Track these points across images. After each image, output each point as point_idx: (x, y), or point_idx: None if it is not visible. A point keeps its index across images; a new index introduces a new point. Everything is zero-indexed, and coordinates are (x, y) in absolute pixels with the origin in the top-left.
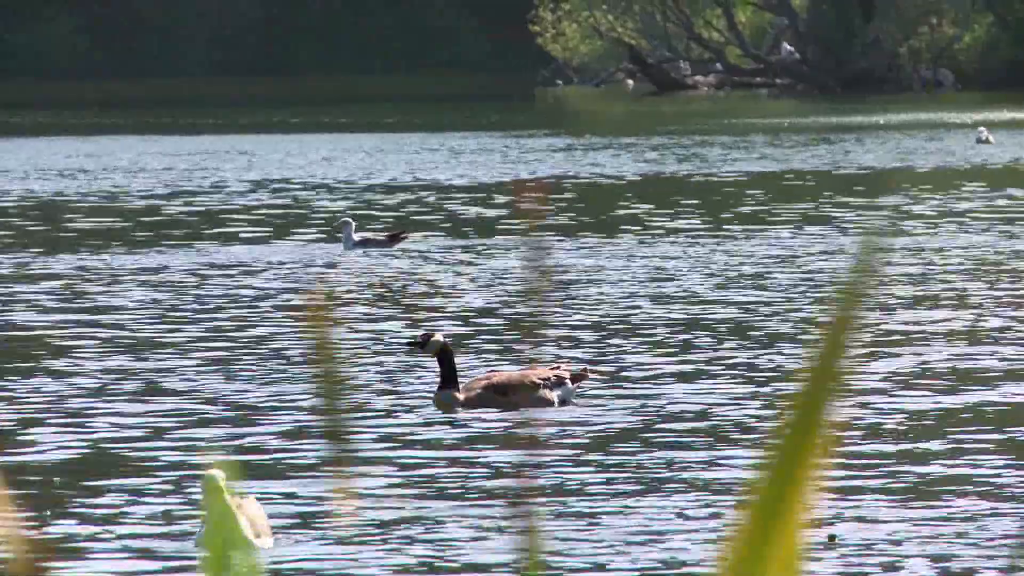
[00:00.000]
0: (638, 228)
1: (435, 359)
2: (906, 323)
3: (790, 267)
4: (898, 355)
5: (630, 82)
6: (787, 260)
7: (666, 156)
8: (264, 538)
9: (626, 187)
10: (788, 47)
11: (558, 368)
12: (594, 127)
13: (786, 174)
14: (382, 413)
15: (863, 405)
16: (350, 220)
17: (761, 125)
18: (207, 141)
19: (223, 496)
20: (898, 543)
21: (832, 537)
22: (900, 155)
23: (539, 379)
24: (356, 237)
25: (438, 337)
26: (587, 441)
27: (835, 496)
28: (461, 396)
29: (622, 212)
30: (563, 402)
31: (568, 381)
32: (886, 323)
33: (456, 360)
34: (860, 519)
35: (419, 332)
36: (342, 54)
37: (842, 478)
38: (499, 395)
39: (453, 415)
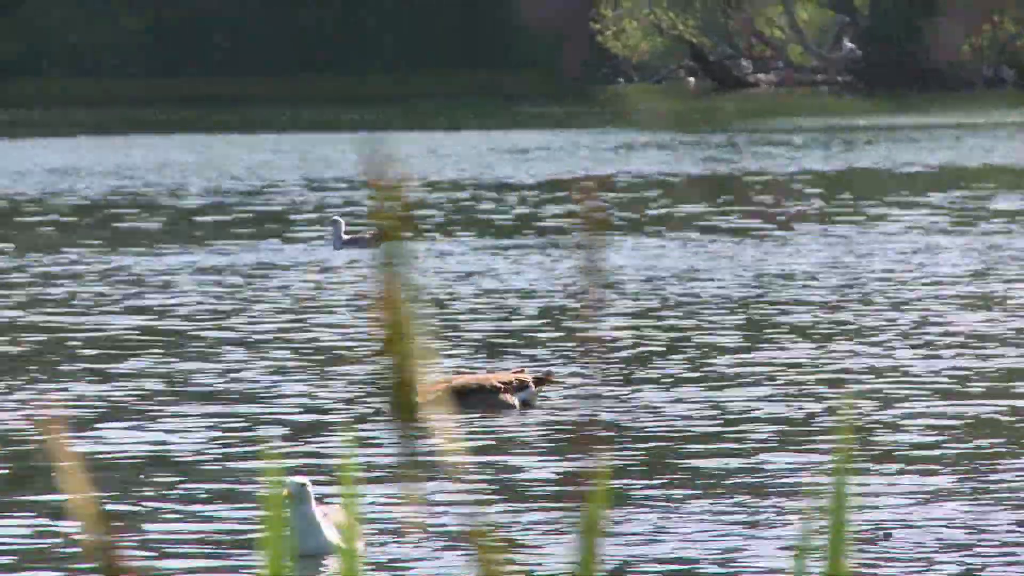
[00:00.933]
0: (699, 225)
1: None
2: (974, 323)
3: (846, 267)
4: (959, 355)
5: (691, 79)
6: (843, 260)
7: (727, 153)
8: (354, 544)
9: (684, 184)
10: (849, 44)
11: (521, 372)
12: (655, 124)
13: (848, 172)
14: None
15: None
16: (339, 219)
17: (822, 123)
18: (268, 140)
19: (309, 504)
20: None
21: (887, 535)
22: (966, 153)
23: (500, 383)
24: (345, 236)
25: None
26: (548, 444)
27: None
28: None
29: (680, 209)
30: (525, 405)
31: (531, 385)
32: (951, 323)
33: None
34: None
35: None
36: (406, 50)
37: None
38: (459, 398)
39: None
